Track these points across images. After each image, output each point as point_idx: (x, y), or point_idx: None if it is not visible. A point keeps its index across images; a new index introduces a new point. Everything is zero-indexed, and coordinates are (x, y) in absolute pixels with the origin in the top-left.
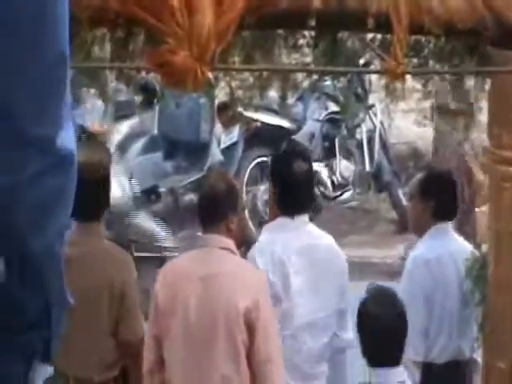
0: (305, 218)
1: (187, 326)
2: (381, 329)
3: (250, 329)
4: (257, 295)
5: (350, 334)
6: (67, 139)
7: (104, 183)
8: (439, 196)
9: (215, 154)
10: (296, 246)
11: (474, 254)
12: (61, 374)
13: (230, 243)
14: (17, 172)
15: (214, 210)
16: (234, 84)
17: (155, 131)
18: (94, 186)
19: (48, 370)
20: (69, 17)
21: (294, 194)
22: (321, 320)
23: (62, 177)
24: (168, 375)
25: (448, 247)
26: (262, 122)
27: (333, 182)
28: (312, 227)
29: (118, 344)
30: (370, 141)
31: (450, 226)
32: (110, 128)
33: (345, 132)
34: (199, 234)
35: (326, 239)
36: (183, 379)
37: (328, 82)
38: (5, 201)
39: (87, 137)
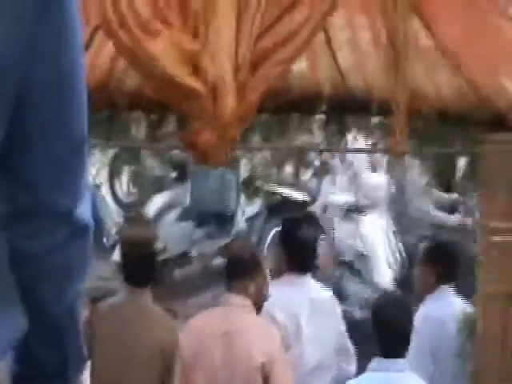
0: (309, 275)
1: (210, 378)
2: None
3: (266, 381)
4: (272, 351)
5: (353, 367)
6: (85, 211)
7: (152, 256)
8: (442, 262)
9: (240, 223)
10: (305, 298)
11: (465, 311)
12: None
13: (248, 303)
14: (41, 241)
15: (236, 272)
16: (255, 161)
17: (187, 203)
18: (144, 258)
19: None
20: (109, 102)
21: (303, 255)
22: (326, 361)
23: (80, 245)
24: None
25: (449, 307)
26: (281, 195)
27: None
28: (314, 283)
29: None
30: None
31: (451, 289)
32: None
33: None
34: (225, 293)
35: (327, 293)
36: None
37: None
38: (30, 267)
39: (135, 215)
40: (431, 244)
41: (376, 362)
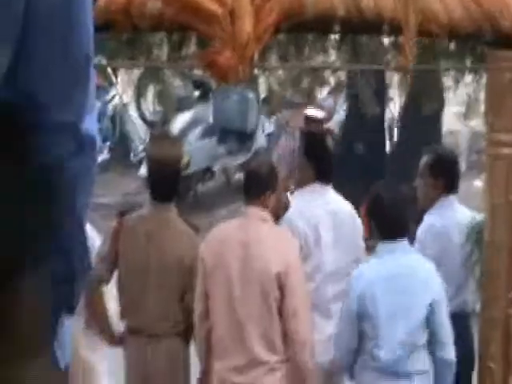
0: (330, 186)
1: (229, 284)
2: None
3: (281, 289)
4: (288, 261)
5: None
6: (90, 126)
7: (177, 172)
8: (445, 174)
9: (260, 140)
10: (326, 208)
11: (473, 220)
12: (134, 329)
13: (266, 215)
14: (51, 152)
15: (254, 186)
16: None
17: (210, 120)
18: (170, 174)
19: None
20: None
21: (327, 166)
22: (342, 269)
23: (86, 159)
24: (212, 324)
25: (454, 217)
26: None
27: None
28: (336, 195)
29: (183, 308)
30: (390, 128)
31: (455, 198)
32: None
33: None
34: (244, 206)
35: (348, 205)
36: (227, 330)
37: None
38: (44, 178)
39: (161, 133)
40: (432, 156)
41: (381, 246)
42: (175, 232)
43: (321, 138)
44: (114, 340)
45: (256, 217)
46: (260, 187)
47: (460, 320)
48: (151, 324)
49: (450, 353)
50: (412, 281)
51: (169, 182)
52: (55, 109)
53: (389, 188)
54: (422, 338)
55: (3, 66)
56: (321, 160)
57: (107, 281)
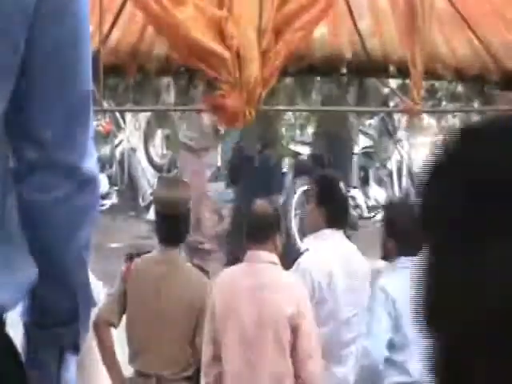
0: (342, 232)
1: (241, 329)
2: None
3: (294, 331)
4: (299, 303)
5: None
6: (91, 164)
7: (185, 215)
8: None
9: None
10: (340, 255)
11: None
12: (142, 373)
13: (275, 258)
14: (49, 192)
15: (261, 229)
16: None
17: (218, 164)
18: (177, 218)
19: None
20: (138, 67)
21: (339, 210)
22: (355, 315)
23: (87, 197)
24: (224, 369)
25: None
26: (307, 155)
27: (368, 206)
28: (347, 241)
29: (193, 352)
30: (399, 170)
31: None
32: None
33: (377, 163)
34: (249, 251)
35: (356, 250)
36: (238, 373)
37: (367, 121)
38: (39, 217)
39: (170, 177)
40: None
41: (402, 260)
42: (184, 275)
43: (334, 182)
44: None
45: (265, 260)
46: (267, 230)
47: None
48: (160, 368)
49: None
50: None
51: (177, 226)
52: (58, 148)
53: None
54: None
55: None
56: (333, 204)
57: (116, 324)
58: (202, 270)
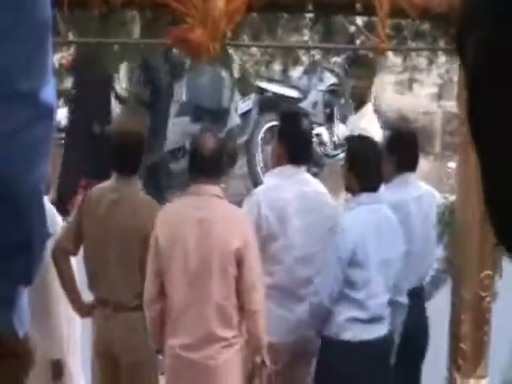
0: (304, 168)
1: (187, 261)
2: (370, 157)
3: (239, 264)
4: (246, 237)
5: None
6: (49, 93)
7: (141, 144)
8: (401, 151)
9: (234, 119)
10: (296, 191)
11: (444, 201)
12: (100, 300)
13: (219, 190)
14: (6, 122)
15: (209, 164)
16: (244, 59)
17: (184, 99)
18: (132, 147)
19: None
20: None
21: (300, 146)
22: (312, 255)
23: (45, 127)
24: (169, 304)
25: (412, 192)
26: (273, 92)
27: (333, 143)
28: (309, 176)
29: (142, 280)
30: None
31: (412, 176)
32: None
33: (343, 101)
34: (195, 184)
35: (321, 187)
36: (183, 306)
37: (333, 59)
38: None
39: (130, 104)
40: (392, 131)
41: (362, 197)
42: (136, 203)
43: (296, 117)
44: (84, 311)
45: (209, 193)
46: (214, 164)
47: (417, 296)
48: (115, 294)
49: (405, 298)
50: (391, 230)
51: (132, 154)
52: (16, 76)
53: (369, 139)
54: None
55: None
56: (293, 140)
57: (74, 253)
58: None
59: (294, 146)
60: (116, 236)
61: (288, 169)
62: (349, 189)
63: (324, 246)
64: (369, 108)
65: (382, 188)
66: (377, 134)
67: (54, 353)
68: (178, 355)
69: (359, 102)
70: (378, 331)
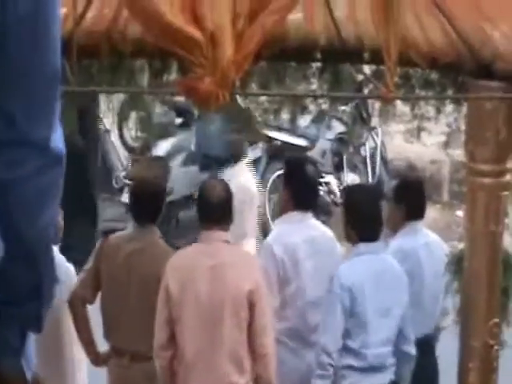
0: (311, 214)
1: (199, 308)
2: (367, 208)
3: (251, 308)
4: (256, 280)
5: None
6: (58, 141)
7: (160, 193)
8: (409, 199)
9: None
10: (305, 235)
11: (452, 250)
12: (117, 349)
13: (228, 236)
14: (17, 169)
15: (217, 210)
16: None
17: (192, 148)
18: (151, 196)
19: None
20: (111, 49)
21: (305, 192)
22: (322, 299)
23: (54, 174)
24: (181, 353)
25: (420, 240)
26: (282, 141)
27: (342, 191)
28: (316, 222)
29: None
30: (373, 157)
31: (419, 224)
32: None
33: (351, 149)
34: (205, 231)
35: (328, 232)
36: (196, 354)
37: (341, 107)
38: (5, 194)
39: (148, 159)
40: (397, 181)
41: (360, 247)
42: (156, 252)
43: (302, 165)
44: (99, 360)
45: (219, 239)
46: (223, 211)
47: (427, 345)
48: (133, 344)
49: (413, 347)
50: (393, 279)
51: (151, 204)
52: (28, 124)
53: (366, 190)
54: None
55: None
56: (299, 186)
57: (91, 300)
58: (175, 248)
59: (299, 191)
60: (135, 284)
61: (295, 215)
62: (348, 239)
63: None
64: (243, 162)
65: (391, 237)
66: (254, 188)
67: None
68: None
69: (236, 156)
70: (378, 380)
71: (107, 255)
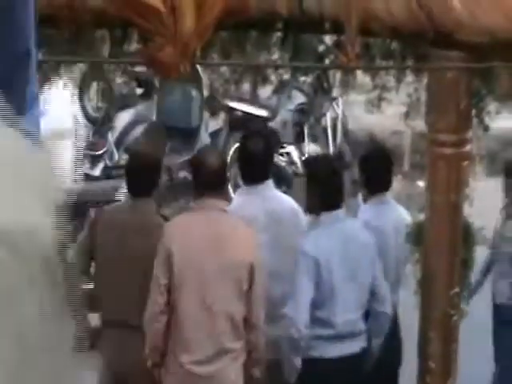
0: (268, 184)
1: (201, 276)
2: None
3: (251, 277)
4: (256, 252)
5: None
6: (32, 125)
7: (155, 168)
8: (373, 170)
9: (204, 138)
10: (262, 207)
11: (414, 220)
12: (110, 321)
13: (226, 205)
14: None
15: (214, 179)
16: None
17: (153, 118)
18: (145, 169)
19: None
20: (74, 19)
21: (265, 165)
22: (283, 270)
23: None
24: (179, 320)
25: (388, 215)
26: (243, 111)
27: (303, 162)
28: (276, 192)
29: None
30: (334, 127)
31: (387, 195)
32: None
33: (312, 120)
34: (203, 199)
35: (290, 202)
36: (195, 321)
37: (302, 78)
38: None
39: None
40: (364, 152)
41: (324, 216)
42: (146, 223)
43: (259, 136)
44: (90, 334)
45: (218, 208)
46: (219, 179)
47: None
48: (125, 316)
49: (388, 306)
50: (358, 245)
51: (144, 177)
52: None
53: (327, 160)
54: (366, 298)
55: None
56: (246, 161)
57: (87, 272)
58: (166, 219)
59: (247, 167)
60: (127, 257)
61: (254, 186)
62: (311, 209)
63: (292, 263)
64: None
65: (361, 207)
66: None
67: None
68: (188, 371)
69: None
70: (349, 348)
71: (99, 227)
